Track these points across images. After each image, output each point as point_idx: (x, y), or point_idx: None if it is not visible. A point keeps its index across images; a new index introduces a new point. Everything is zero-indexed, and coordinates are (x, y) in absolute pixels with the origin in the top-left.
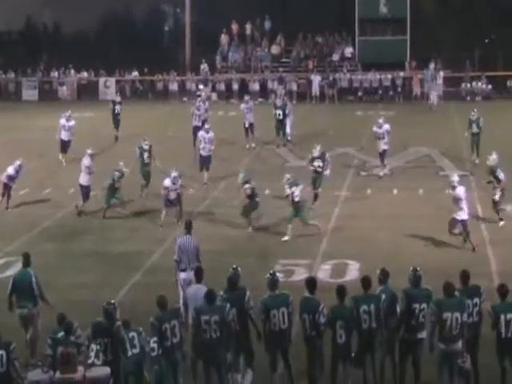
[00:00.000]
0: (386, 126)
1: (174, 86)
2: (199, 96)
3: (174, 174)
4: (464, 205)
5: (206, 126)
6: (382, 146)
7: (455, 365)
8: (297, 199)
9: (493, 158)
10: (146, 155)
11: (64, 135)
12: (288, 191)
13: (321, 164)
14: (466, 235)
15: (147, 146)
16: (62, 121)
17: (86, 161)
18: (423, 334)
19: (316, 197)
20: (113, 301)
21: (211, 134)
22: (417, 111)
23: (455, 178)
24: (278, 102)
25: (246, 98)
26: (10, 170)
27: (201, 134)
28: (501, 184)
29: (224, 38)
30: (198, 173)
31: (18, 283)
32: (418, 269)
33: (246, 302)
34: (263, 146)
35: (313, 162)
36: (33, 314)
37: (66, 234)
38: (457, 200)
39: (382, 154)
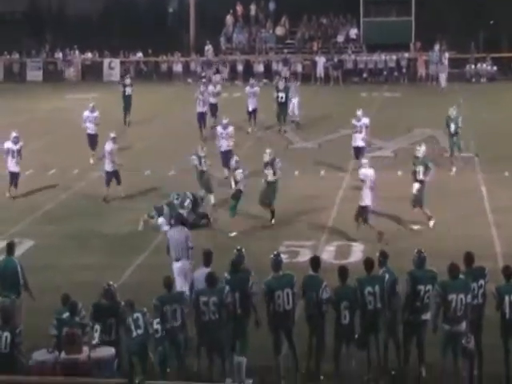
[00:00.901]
0: (365, 120)
1: (178, 68)
2: (203, 77)
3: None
4: (368, 189)
5: (224, 121)
6: (359, 141)
7: (459, 345)
8: (241, 188)
9: (422, 150)
10: (203, 161)
11: (90, 128)
12: (240, 176)
13: (271, 171)
14: (363, 220)
15: (204, 152)
16: (86, 113)
17: (107, 146)
18: (427, 316)
19: (273, 214)
20: (111, 282)
21: (230, 129)
22: (421, 92)
23: (365, 160)
24: (281, 85)
25: (252, 81)
26: (9, 144)
27: (218, 129)
28: (426, 177)
29: (229, 20)
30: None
31: (1, 272)
32: (423, 250)
33: (250, 287)
34: (267, 128)
35: (264, 169)
36: (10, 309)
37: (70, 216)
38: (363, 182)
39: (358, 150)
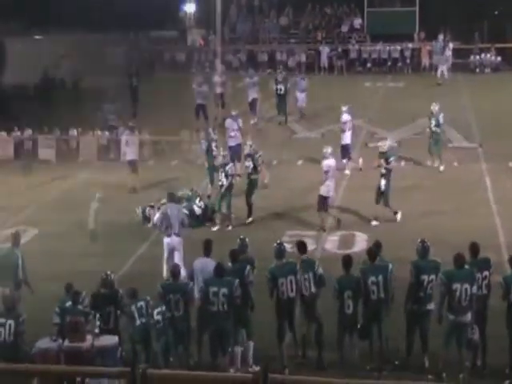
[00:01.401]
0: (344, 117)
1: (181, 57)
2: (208, 67)
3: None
4: (329, 179)
5: (233, 113)
6: (344, 138)
7: (464, 336)
8: (232, 182)
9: (387, 145)
10: (214, 145)
11: (129, 154)
12: (232, 170)
13: (251, 165)
14: (319, 208)
15: (216, 135)
16: (125, 137)
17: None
18: (431, 306)
19: (249, 210)
20: (109, 271)
21: (239, 122)
22: (425, 83)
23: (328, 149)
24: (280, 77)
25: (251, 72)
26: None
27: (228, 122)
28: (389, 171)
29: (233, 9)
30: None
31: (1, 262)
32: (426, 240)
33: (246, 275)
34: (269, 119)
35: (245, 161)
36: (13, 297)
37: (74, 205)
38: (324, 172)
39: (342, 148)
